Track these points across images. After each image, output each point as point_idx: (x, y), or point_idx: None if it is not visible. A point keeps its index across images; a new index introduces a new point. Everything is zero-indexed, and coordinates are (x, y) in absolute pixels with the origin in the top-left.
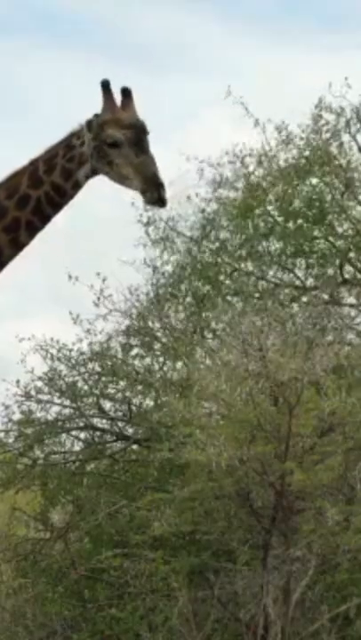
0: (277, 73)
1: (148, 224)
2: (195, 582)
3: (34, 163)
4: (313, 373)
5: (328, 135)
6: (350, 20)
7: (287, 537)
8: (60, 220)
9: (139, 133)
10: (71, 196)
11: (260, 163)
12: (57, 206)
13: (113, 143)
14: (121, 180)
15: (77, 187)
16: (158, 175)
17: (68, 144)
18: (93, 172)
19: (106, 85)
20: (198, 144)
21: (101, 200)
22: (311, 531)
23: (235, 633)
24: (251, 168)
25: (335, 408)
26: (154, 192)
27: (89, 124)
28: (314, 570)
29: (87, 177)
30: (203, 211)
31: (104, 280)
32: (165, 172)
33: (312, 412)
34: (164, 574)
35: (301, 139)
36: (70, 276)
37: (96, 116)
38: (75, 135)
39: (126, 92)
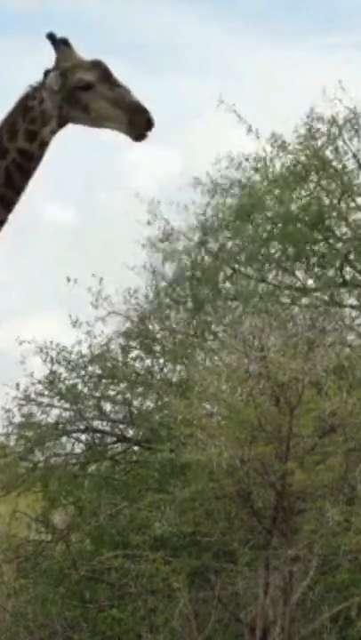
0: (276, 73)
1: (148, 224)
2: (196, 583)
3: None
4: (314, 374)
5: (323, 140)
6: (349, 20)
7: (288, 537)
8: (64, 220)
9: (104, 70)
10: (39, 159)
11: (256, 169)
12: (26, 172)
13: (86, 86)
14: (102, 120)
15: (44, 145)
16: (140, 102)
17: (24, 108)
18: (60, 126)
19: (53, 38)
20: (198, 144)
21: (103, 200)
22: (312, 531)
23: (236, 634)
24: (247, 174)
25: (336, 409)
26: (141, 119)
27: (44, 81)
28: (315, 570)
29: (53, 132)
30: (203, 213)
31: (101, 280)
32: (168, 171)
33: (313, 412)
34: (165, 575)
35: (299, 144)
36: (69, 279)
37: (47, 72)
38: (28, 97)
39: (66, 43)
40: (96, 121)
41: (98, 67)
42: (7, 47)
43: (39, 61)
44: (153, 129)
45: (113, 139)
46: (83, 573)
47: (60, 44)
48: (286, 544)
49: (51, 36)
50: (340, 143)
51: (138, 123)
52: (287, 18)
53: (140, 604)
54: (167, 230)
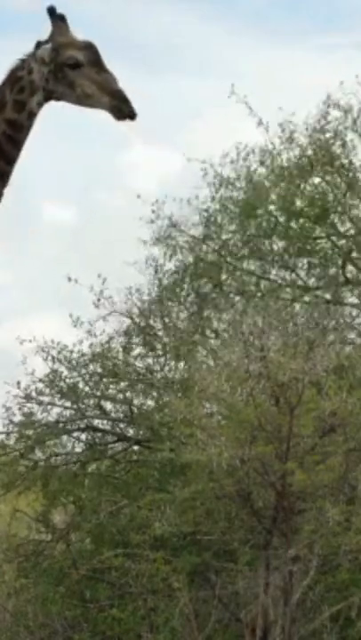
0: (276, 73)
1: (152, 222)
2: (196, 582)
3: None
4: (314, 373)
5: (331, 134)
6: (349, 20)
7: (288, 537)
8: (64, 220)
9: (96, 53)
10: (28, 129)
11: (262, 162)
12: (17, 143)
13: (75, 64)
14: (85, 99)
15: (32, 116)
16: (123, 91)
17: (12, 80)
18: (46, 99)
19: (53, 11)
20: (200, 144)
21: (103, 200)
22: (312, 531)
23: (236, 633)
24: (253, 167)
25: (336, 408)
26: (123, 106)
27: (35, 51)
28: (315, 570)
29: (40, 104)
30: (206, 209)
31: (104, 281)
32: (168, 170)
33: (313, 412)
34: (165, 574)
35: (307, 137)
36: (70, 278)
37: (39, 43)
38: (17, 69)
39: (63, 19)
40: (80, 99)
41: (89, 49)
42: (7, 47)
43: None
44: (135, 118)
45: (113, 139)
46: (83, 573)
47: (57, 19)
48: (286, 544)
49: (51, 10)
50: (350, 136)
51: (122, 112)
52: (287, 18)
53: (141, 603)
54: (170, 227)
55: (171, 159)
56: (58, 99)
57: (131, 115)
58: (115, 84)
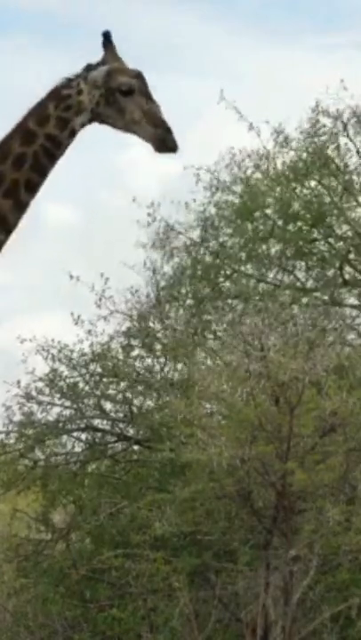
0: (276, 73)
1: (148, 225)
2: (196, 582)
3: (20, 124)
4: (314, 373)
5: (326, 138)
6: (348, 20)
7: (288, 537)
8: (65, 220)
9: (145, 82)
10: (66, 146)
11: (257, 166)
12: (53, 157)
13: (128, 90)
14: (133, 126)
15: (73, 135)
16: (167, 122)
17: (57, 96)
18: (91, 121)
19: (108, 36)
20: (198, 144)
21: (104, 200)
22: (312, 531)
23: (236, 633)
24: (249, 172)
25: (336, 408)
26: (167, 138)
27: (87, 76)
28: (315, 570)
29: (83, 125)
30: (203, 211)
31: (106, 280)
32: (168, 170)
33: (313, 412)
34: (166, 574)
35: (299, 142)
36: (71, 276)
37: (89, 66)
38: (63, 87)
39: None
40: (127, 125)
41: (139, 77)
42: (9, 46)
43: (41, 59)
44: (176, 150)
45: (113, 139)
46: (83, 573)
47: (112, 45)
48: (287, 544)
49: (106, 35)
50: (342, 140)
51: (165, 143)
52: (287, 18)
53: (141, 603)
54: (167, 230)
55: (171, 159)
56: (103, 122)
57: (173, 148)
58: (161, 115)
